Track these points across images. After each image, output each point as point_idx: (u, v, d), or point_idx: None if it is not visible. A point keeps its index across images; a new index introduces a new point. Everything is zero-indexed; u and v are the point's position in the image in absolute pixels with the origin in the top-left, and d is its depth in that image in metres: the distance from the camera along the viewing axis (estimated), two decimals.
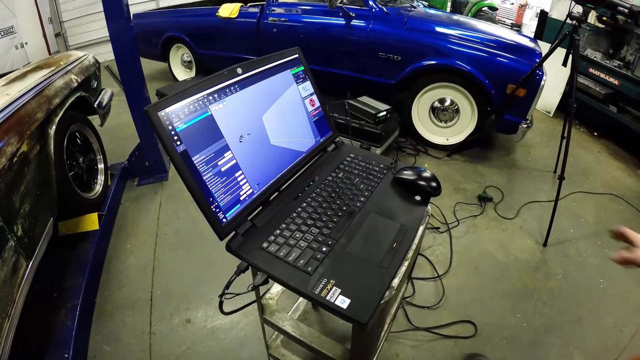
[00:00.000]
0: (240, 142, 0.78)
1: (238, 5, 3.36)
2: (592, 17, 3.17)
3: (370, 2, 2.72)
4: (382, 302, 0.65)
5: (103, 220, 1.91)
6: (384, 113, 2.48)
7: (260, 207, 0.82)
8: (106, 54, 4.87)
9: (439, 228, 2.02)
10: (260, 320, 1.00)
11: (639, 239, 0.56)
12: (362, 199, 0.88)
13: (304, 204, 0.85)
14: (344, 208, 0.85)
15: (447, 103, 2.63)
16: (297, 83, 0.97)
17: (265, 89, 0.86)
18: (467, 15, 5.90)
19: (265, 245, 0.74)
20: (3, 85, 1.50)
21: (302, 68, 0.99)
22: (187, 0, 4.64)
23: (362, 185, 0.93)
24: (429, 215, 0.89)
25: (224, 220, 0.72)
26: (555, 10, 3.83)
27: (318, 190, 0.90)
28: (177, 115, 0.67)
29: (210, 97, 0.74)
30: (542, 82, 2.26)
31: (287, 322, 0.94)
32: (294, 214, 0.82)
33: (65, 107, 1.68)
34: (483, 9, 6.13)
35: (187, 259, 1.85)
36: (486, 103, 2.48)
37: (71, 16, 5.30)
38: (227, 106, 0.76)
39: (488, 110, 2.52)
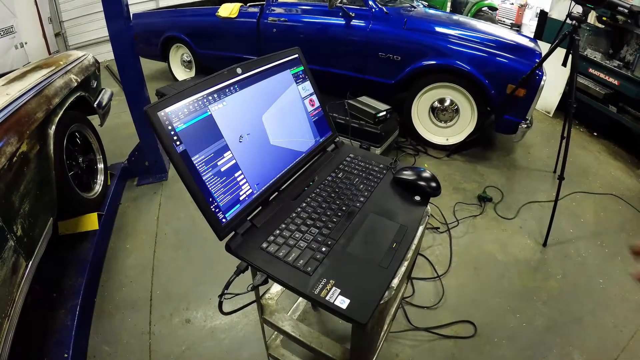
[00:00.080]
0: (240, 142, 0.78)
1: (238, 5, 3.36)
2: (591, 17, 3.18)
3: (370, 2, 2.72)
4: (381, 302, 0.65)
5: (103, 220, 1.91)
6: (384, 113, 2.48)
7: (260, 207, 0.82)
8: (106, 53, 4.87)
9: (438, 228, 2.02)
10: (260, 321, 1.00)
11: None
12: (361, 199, 0.88)
13: (304, 204, 0.85)
14: (344, 208, 0.85)
15: (447, 103, 2.64)
16: (296, 83, 0.97)
17: (264, 89, 0.86)
18: (467, 15, 5.90)
19: (264, 245, 0.74)
20: (3, 85, 1.50)
21: (302, 68, 0.99)
22: (187, 0, 4.64)
23: (361, 186, 0.93)
24: (428, 216, 0.89)
25: (224, 220, 0.72)
26: (555, 10, 3.83)
27: (317, 190, 0.90)
28: (177, 115, 0.67)
29: (210, 97, 0.73)
30: (542, 82, 2.26)
31: (286, 322, 0.94)
32: (294, 214, 0.82)
33: (64, 107, 1.68)
34: (483, 9, 6.13)
35: (186, 259, 1.85)
36: (486, 103, 2.48)
37: (71, 16, 5.30)
38: (227, 106, 0.76)
39: (488, 110, 2.52)
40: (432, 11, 3.28)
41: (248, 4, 3.36)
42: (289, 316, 0.97)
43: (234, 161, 0.76)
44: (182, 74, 4.17)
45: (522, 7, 6.72)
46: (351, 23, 2.75)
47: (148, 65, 4.25)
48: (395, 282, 0.69)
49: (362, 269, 0.70)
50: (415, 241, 0.80)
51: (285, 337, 0.96)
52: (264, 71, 0.87)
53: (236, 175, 0.76)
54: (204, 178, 0.70)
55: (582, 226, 2.07)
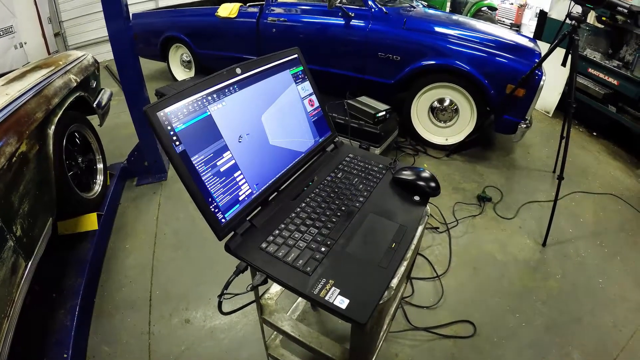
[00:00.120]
0: (239, 142, 0.78)
1: (237, 5, 3.36)
2: (591, 17, 3.18)
3: (370, 2, 2.72)
4: (380, 302, 0.65)
5: (102, 221, 1.91)
6: (383, 113, 2.48)
7: (259, 208, 0.82)
8: (105, 53, 4.86)
9: (438, 228, 2.02)
10: (260, 321, 1.00)
11: None
12: (361, 199, 0.88)
13: (303, 204, 0.85)
14: (343, 208, 0.85)
15: (447, 103, 2.64)
16: (296, 83, 0.97)
17: (264, 89, 0.86)
18: (467, 15, 5.91)
19: (264, 245, 0.74)
20: (2, 85, 1.50)
21: (301, 68, 0.99)
22: (186, 0, 4.64)
23: (361, 186, 0.93)
24: (428, 215, 0.89)
25: (223, 220, 0.72)
26: (555, 10, 3.83)
27: (317, 190, 0.90)
28: (176, 115, 0.67)
29: (209, 97, 0.74)
30: (541, 82, 2.26)
31: (286, 322, 0.94)
32: (293, 214, 0.82)
33: (64, 107, 1.68)
34: (482, 9, 6.14)
35: (186, 259, 1.85)
36: (485, 103, 2.48)
37: (70, 16, 5.29)
38: (226, 106, 0.76)
39: (487, 110, 2.52)
40: (431, 11, 3.28)
41: (247, 4, 3.36)
42: (289, 316, 0.97)
43: (233, 161, 0.76)
44: (181, 74, 4.17)
45: (522, 7, 6.73)
46: (351, 23, 2.75)
47: (147, 65, 4.24)
48: (394, 282, 0.69)
49: (361, 268, 0.70)
50: (415, 241, 0.80)
51: (285, 337, 0.96)
52: (264, 71, 0.87)
53: (235, 175, 0.76)
54: (203, 178, 0.70)
55: (582, 226, 2.07)
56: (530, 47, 2.47)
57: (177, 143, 0.67)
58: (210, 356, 1.40)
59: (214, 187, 0.71)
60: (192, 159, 0.69)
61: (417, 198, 0.90)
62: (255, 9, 3.23)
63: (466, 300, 1.62)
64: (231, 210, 0.74)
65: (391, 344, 1.41)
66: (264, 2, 3.18)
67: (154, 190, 2.39)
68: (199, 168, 0.69)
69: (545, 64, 2.15)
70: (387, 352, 1.39)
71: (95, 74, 2.22)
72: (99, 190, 2.07)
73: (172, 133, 0.66)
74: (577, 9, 1.89)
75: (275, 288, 1.07)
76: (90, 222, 1.84)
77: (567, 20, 1.94)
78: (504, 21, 6.95)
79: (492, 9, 6.31)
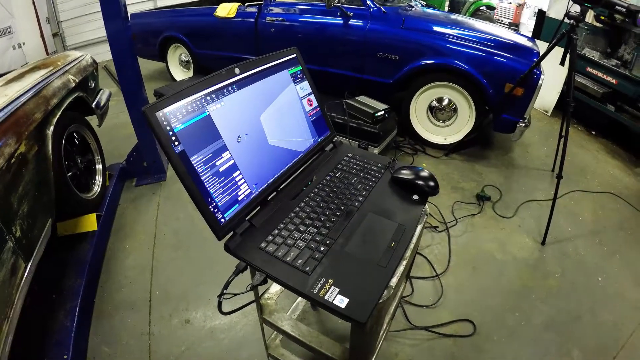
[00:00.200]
0: (238, 142, 0.78)
1: (236, 5, 3.36)
2: (589, 17, 3.18)
3: (368, 2, 2.72)
4: (380, 301, 0.65)
5: (101, 221, 1.90)
6: (382, 112, 2.48)
7: (259, 207, 0.82)
8: (104, 54, 4.84)
9: (437, 227, 2.02)
10: (259, 320, 1.00)
11: None
12: (360, 198, 0.88)
13: (302, 204, 0.85)
14: (342, 208, 0.85)
15: (445, 102, 2.64)
16: (294, 83, 0.97)
17: (262, 89, 0.86)
18: (465, 14, 5.91)
19: (263, 245, 0.74)
20: (1, 86, 1.49)
21: (300, 68, 0.99)
22: (185, 0, 4.63)
23: (360, 185, 0.93)
24: (427, 215, 0.89)
25: (222, 220, 0.72)
26: (553, 10, 3.84)
27: (316, 190, 0.91)
28: (175, 115, 0.67)
29: (208, 97, 0.74)
30: (540, 81, 2.26)
31: (286, 321, 0.94)
32: (292, 214, 0.82)
33: (63, 108, 1.68)
34: (481, 8, 6.14)
35: (185, 260, 1.85)
36: (484, 102, 2.49)
37: (69, 16, 5.28)
38: (225, 106, 0.76)
39: (486, 110, 2.53)
40: (430, 10, 3.28)
41: (246, 4, 3.36)
42: (289, 316, 0.97)
43: (232, 161, 0.76)
44: (180, 74, 4.16)
45: (520, 6, 6.73)
46: (349, 23, 2.75)
47: (146, 66, 4.24)
48: (393, 281, 0.69)
49: (360, 268, 0.70)
50: (414, 240, 0.80)
51: (285, 337, 0.96)
52: (262, 71, 0.87)
53: (234, 175, 0.76)
54: (202, 178, 0.70)
55: (581, 224, 2.08)
56: (528, 47, 2.47)
57: (176, 143, 0.67)
58: (211, 356, 1.40)
59: (213, 187, 0.71)
60: (191, 159, 0.69)
61: (416, 197, 0.90)
62: (254, 9, 3.23)
63: (466, 299, 1.62)
64: (230, 210, 0.74)
65: (391, 343, 1.42)
66: (262, 2, 3.18)
67: (153, 191, 2.39)
68: (198, 168, 0.70)
69: (543, 63, 2.16)
70: (387, 351, 1.39)
71: (94, 74, 2.22)
72: (98, 190, 2.07)
73: (171, 133, 0.66)
74: (576, 8, 1.89)
75: (275, 288, 1.07)
76: (90, 222, 1.84)
77: (566, 20, 1.95)
78: (502, 20, 6.96)
79: (491, 8, 6.31)
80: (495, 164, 2.64)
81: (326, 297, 0.64)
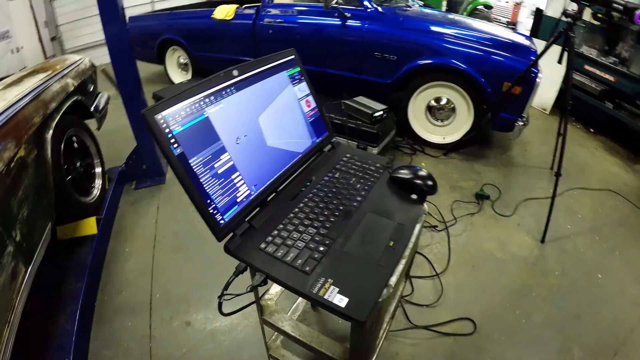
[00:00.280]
0: (237, 143, 0.78)
1: (234, 7, 3.36)
2: (587, 14, 3.19)
3: (366, 2, 2.72)
4: (380, 300, 0.65)
5: (101, 224, 1.91)
6: (380, 113, 2.49)
7: (258, 208, 0.82)
8: (102, 57, 4.83)
9: (436, 226, 2.02)
10: (260, 321, 1.00)
11: None
12: (358, 198, 0.89)
13: (301, 205, 0.86)
14: (341, 208, 0.85)
15: (443, 102, 2.64)
16: (293, 84, 0.97)
17: (261, 91, 0.87)
18: (463, 14, 5.92)
19: (263, 245, 0.74)
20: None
21: (298, 69, 1.00)
22: (183, 3, 4.64)
23: (358, 185, 0.93)
24: (425, 214, 0.90)
25: (222, 221, 0.73)
26: (551, 8, 3.84)
27: (315, 190, 0.91)
28: (174, 118, 0.68)
29: (207, 100, 0.74)
30: (538, 80, 2.27)
31: (286, 322, 0.95)
32: (291, 215, 0.83)
33: (61, 112, 1.68)
34: (478, 7, 6.15)
35: (185, 262, 1.85)
36: (482, 101, 2.49)
37: (67, 20, 5.29)
38: (224, 108, 0.77)
39: (484, 109, 2.53)
40: (427, 10, 3.28)
41: (244, 6, 3.36)
42: (289, 316, 0.97)
43: (231, 163, 0.76)
44: (178, 76, 4.16)
45: (518, 5, 6.74)
46: (347, 23, 2.76)
47: (144, 68, 4.23)
48: (393, 280, 0.70)
49: (360, 267, 0.71)
50: (413, 239, 0.80)
51: (285, 338, 0.96)
52: (260, 73, 0.87)
53: (233, 177, 0.76)
54: (201, 180, 0.70)
55: (580, 222, 2.08)
56: (526, 45, 2.48)
57: (175, 145, 0.67)
58: (211, 358, 1.40)
59: (212, 189, 0.72)
60: (190, 161, 0.69)
61: (414, 197, 0.90)
62: (252, 11, 3.23)
63: (466, 298, 1.62)
64: (230, 212, 0.75)
65: (391, 343, 1.42)
66: (260, 4, 3.19)
67: (153, 194, 2.39)
68: (197, 170, 0.70)
69: (541, 62, 2.16)
70: (388, 350, 1.39)
71: (93, 77, 2.22)
72: (98, 194, 2.07)
73: (170, 136, 0.66)
74: (573, 6, 1.90)
75: (275, 288, 1.08)
76: (90, 226, 1.84)
77: (563, 18, 1.95)
78: (500, 19, 6.96)
79: (488, 7, 6.32)
80: (494, 163, 2.65)
81: (326, 297, 0.64)
